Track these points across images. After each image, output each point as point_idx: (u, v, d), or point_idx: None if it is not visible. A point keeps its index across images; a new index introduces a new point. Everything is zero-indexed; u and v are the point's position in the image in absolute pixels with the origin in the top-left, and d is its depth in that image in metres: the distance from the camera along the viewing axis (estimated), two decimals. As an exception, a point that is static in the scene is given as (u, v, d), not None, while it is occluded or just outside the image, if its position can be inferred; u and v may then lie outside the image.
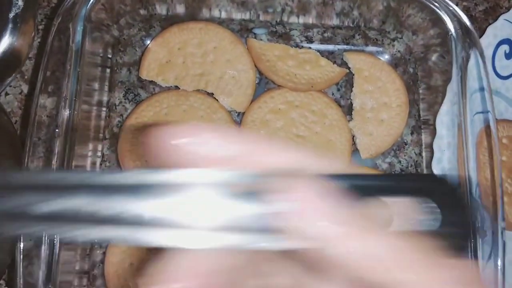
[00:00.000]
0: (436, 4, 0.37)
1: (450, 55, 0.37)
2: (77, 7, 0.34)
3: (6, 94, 0.41)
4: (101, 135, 0.39)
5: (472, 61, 0.36)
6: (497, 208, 0.33)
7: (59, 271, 0.32)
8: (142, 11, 0.41)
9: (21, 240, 0.31)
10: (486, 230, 0.34)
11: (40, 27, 0.41)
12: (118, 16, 0.40)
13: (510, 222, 0.39)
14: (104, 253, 0.37)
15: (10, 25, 0.25)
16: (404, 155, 0.41)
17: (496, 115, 0.41)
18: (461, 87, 0.36)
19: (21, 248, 0.31)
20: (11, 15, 0.25)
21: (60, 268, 0.32)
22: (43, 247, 0.31)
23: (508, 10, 0.41)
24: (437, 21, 0.38)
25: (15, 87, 0.41)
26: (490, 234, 0.34)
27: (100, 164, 0.39)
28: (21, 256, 0.31)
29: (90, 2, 0.35)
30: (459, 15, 0.37)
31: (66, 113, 0.33)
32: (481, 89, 0.36)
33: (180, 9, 0.41)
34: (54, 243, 0.32)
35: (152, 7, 0.41)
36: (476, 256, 0.33)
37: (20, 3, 0.26)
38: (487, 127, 0.36)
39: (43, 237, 0.32)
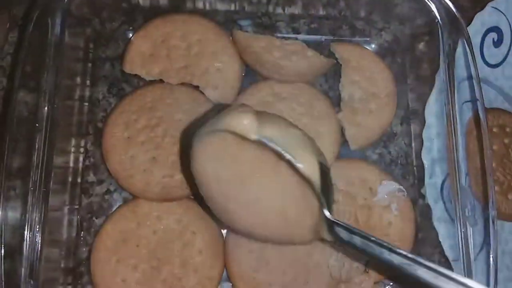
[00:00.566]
0: (423, -9, 0.37)
1: (437, 43, 0.36)
2: (56, 0, 0.34)
3: (-13, 90, 0.40)
4: (84, 130, 0.39)
5: (459, 49, 0.36)
6: (487, 197, 0.33)
7: (43, 268, 0.32)
8: (124, 4, 0.40)
9: (3, 237, 0.31)
10: (477, 219, 0.34)
11: (20, 22, 0.41)
12: (99, 9, 0.39)
13: (502, 211, 0.38)
14: (89, 250, 0.36)
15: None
16: (394, 146, 0.41)
17: (486, 104, 0.40)
18: (448, 76, 0.35)
19: (3, 245, 0.30)
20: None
21: (44, 265, 0.32)
22: (25, 244, 0.31)
23: (496, -2, 0.41)
24: (424, 10, 0.37)
25: (-5, 83, 0.40)
26: (482, 223, 0.34)
27: (84, 160, 0.38)
28: (3, 253, 0.30)
29: (69, -6, 0.34)
30: (446, 2, 0.36)
31: (46, 108, 0.33)
32: (469, 77, 0.36)
33: (163, 0, 0.40)
34: (36, 240, 0.31)
35: (134, 0, 0.40)
36: (467, 246, 0.32)
37: (-7, -7, 0.25)
38: (476, 116, 0.35)
39: (25, 235, 0.31)
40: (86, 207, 0.38)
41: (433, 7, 0.36)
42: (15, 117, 0.32)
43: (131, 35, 0.40)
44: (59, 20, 0.34)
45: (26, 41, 0.33)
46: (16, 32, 0.40)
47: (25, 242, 0.31)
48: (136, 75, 0.39)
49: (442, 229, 0.35)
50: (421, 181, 0.38)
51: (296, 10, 0.42)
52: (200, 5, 0.41)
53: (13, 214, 0.32)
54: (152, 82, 0.39)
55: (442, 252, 0.36)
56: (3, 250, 0.31)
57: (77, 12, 0.36)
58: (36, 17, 0.33)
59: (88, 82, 0.40)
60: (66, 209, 0.37)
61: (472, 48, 0.35)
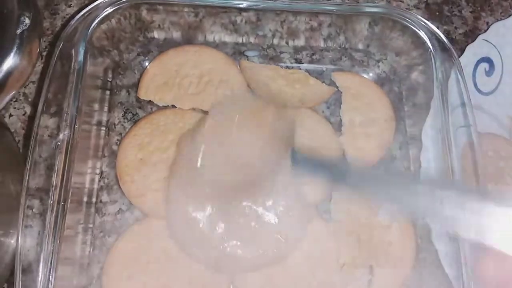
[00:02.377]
0: (416, 25, 0.40)
1: (431, 72, 0.39)
2: (78, 32, 0.37)
3: (10, 115, 0.42)
4: (100, 153, 0.41)
5: (452, 77, 0.38)
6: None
7: (57, 285, 0.33)
8: (140, 37, 0.43)
9: (20, 254, 0.32)
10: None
11: (44, 53, 0.44)
12: (118, 41, 0.42)
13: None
14: (101, 268, 0.37)
15: (17, 41, 0.27)
16: (394, 169, 0.43)
17: (481, 129, 0.42)
18: (442, 103, 0.38)
19: (20, 263, 0.32)
20: (18, 31, 0.27)
21: (58, 283, 0.33)
22: (41, 262, 0.32)
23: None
24: (418, 42, 0.40)
25: (19, 109, 0.43)
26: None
27: (99, 181, 0.40)
28: (20, 271, 0.32)
29: (92, 27, 0.37)
30: (437, 33, 0.39)
31: (66, 131, 0.35)
32: (462, 104, 0.38)
33: (177, 35, 0.44)
34: (51, 258, 0.32)
35: (150, 33, 0.43)
36: (466, 263, 0.33)
37: (27, 21, 0.28)
38: (470, 140, 0.37)
39: (41, 253, 0.32)
40: (99, 226, 0.39)
41: (425, 38, 0.39)
42: (37, 140, 0.34)
43: (146, 64, 0.43)
44: (82, 50, 0.37)
45: (50, 70, 0.36)
46: (40, 61, 0.43)
47: (41, 259, 0.32)
48: (150, 101, 0.42)
49: (441, 247, 0.37)
50: (420, 201, 0.39)
51: (299, 43, 0.45)
52: (210, 38, 0.44)
53: (30, 232, 0.33)
54: (164, 108, 0.42)
55: (443, 271, 0.36)
56: (20, 267, 0.32)
57: (98, 43, 0.39)
58: (61, 48, 0.36)
59: (105, 108, 0.42)
60: (80, 227, 0.38)
61: (464, 76, 0.38)
